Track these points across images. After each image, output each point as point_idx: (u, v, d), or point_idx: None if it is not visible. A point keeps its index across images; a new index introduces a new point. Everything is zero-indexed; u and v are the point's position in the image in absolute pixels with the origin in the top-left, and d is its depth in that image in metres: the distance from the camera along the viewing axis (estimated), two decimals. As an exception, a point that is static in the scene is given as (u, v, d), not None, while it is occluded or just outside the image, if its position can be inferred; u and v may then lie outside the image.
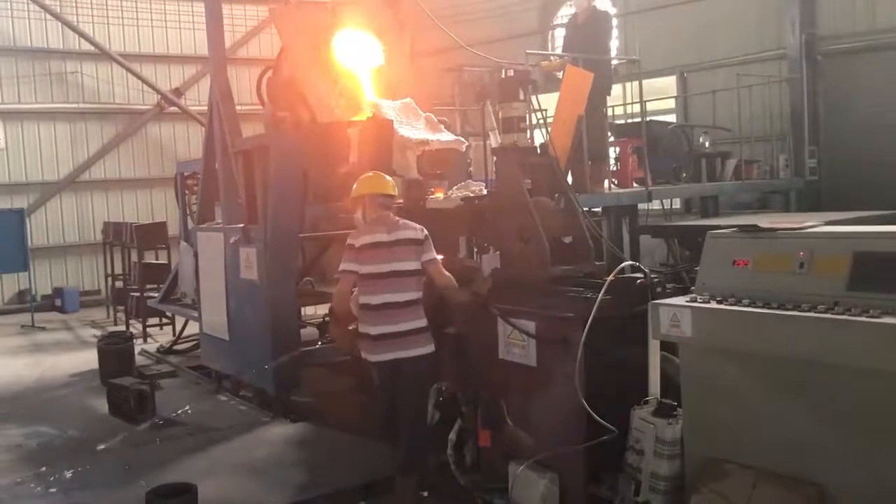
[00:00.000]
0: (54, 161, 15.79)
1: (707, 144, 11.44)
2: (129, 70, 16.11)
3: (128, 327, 11.82)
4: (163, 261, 12.48)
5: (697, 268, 4.32)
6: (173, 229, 12.73)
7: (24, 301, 14.57)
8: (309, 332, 7.72)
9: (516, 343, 5.05)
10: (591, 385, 4.48)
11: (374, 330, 4.97)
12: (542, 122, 6.90)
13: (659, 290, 4.61)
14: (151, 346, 10.86)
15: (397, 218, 5.24)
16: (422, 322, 5.05)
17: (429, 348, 5.05)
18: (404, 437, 4.99)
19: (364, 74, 7.92)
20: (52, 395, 8.74)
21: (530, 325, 4.93)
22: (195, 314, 9.02)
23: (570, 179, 7.76)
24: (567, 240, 5.61)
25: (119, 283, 13.23)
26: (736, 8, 12.47)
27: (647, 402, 4.48)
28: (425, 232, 5.20)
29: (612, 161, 9.60)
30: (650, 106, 11.15)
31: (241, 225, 7.55)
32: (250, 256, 7.37)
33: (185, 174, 10.70)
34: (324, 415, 7.15)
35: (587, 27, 8.74)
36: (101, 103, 16.20)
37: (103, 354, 9.02)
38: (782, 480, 3.72)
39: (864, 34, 11.26)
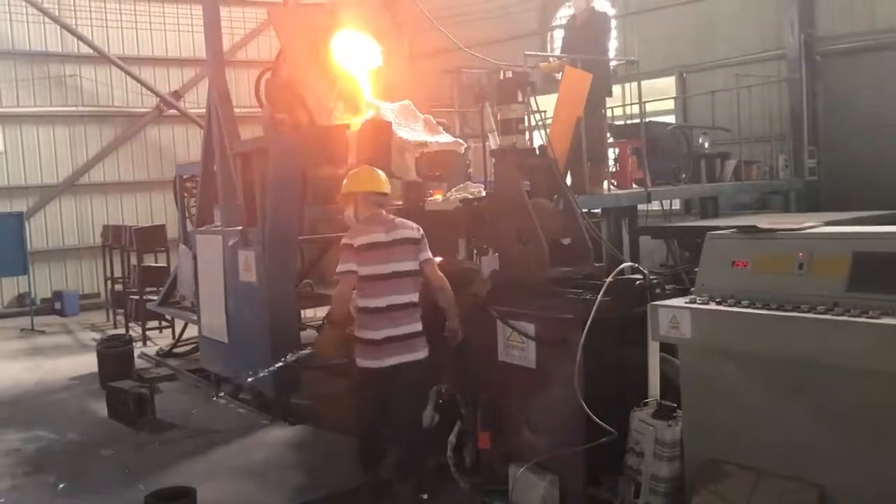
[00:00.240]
0: (53, 164, 15.77)
1: (706, 145, 11.44)
2: (127, 73, 16.11)
3: (127, 330, 11.81)
4: (162, 264, 12.48)
5: (697, 269, 4.31)
6: (172, 232, 12.71)
7: (23, 305, 14.55)
8: (309, 335, 7.71)
9: (516, 345, 5.04)
10: (590, 387, 4.47)
11: (380, 334, 4.79)
12: (540, 123, 6.89)
13: (658, 291, 4.60)
14: (151, 350, 10.85)
15: (392, 216, 5.08)
16: (420, 325, 4.95)
17: (426, 352, 4.96)
18: (401, 441, 4.92)
19: (362, 76, 7.91)
20: (52, 399, 8.73)
21: (529, 327, 4.92)
22: (194, 317, 9.01)
23: (569, 181, 7.76)
24: (566, 241, 5.61)
25: (119, 287, 13.22)
26: (735, 8, 12.47)
27: (646, 404, 4.47)
28: (421, 231, 5.06)
29: (611, 162, 9.59)
30: (649, 107, 11.15)
31: (240, 227, 7.54)
32: (249, 259, 7.36)
33: (184, 177, 10.69)
34: (323, 417, 7.13)
35: (586, 28, 8.74)
36: (99, 106, 16.19)
37: (103, 358, 9.01)
38: (782, 481, 3.71)
39: (863, 34, 11.26)
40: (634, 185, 9.51)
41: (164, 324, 11.69)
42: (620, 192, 9.15)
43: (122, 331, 11.84)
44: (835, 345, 3.41)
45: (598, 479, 4.67)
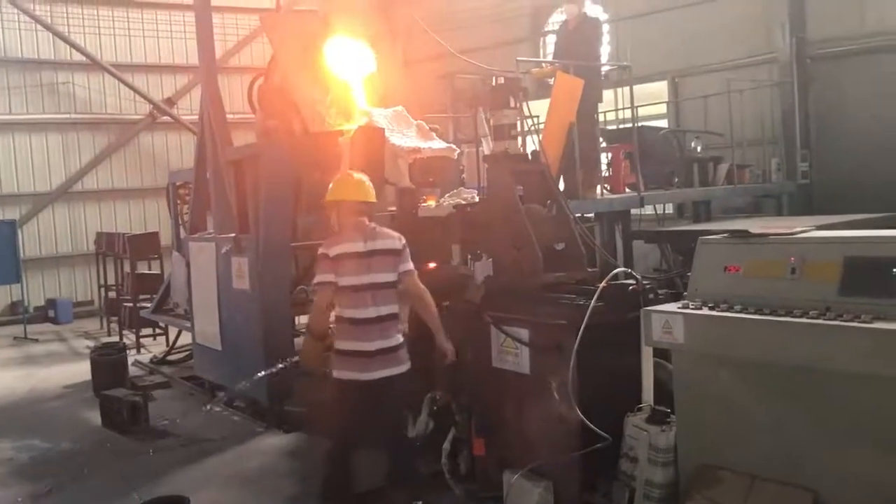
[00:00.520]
0: (46, 172, 15.74)
1: (699, 149, 11.45)
2: (120, 80, 16.09)
3: (121, 338, 11.79)
4: (156, 271, 12.44)
5: (690, 273, 4.31)
6: (166, 239, 12.69)
7: (16, 313, 14.49)
8: (302, 342, 7.69)
9: (509, 351, 5.03)
10: (584, 392, 4.47)
11: (373, 345, 4.71)
12: (533, 128, 6.90)
13: (651, 296, 4.61)
14: (145, 357, 10.82)
15: (374, 225, 4.94)
16: (400, 338, 4.87)
17: (409, 364, 4.87)
18: (389, 451, 4.91)
19: (355, 82, 7.91)
20: (45, 408, 8.69)
21: (523, 333, 4.91)
22: (188, 324, 8.99)
23: (562, 186, 7.77)
24: (559, 247, 5.61)
25: (112, 294, 13.19)
26: (726, 13, 12.49)
27: (640, 409, 4.47)
28: (403, 241, 4.94)
29: (604, 167, 9.61)
30: (642, 111, 11.16)
31: (233, 234, 7.53)
32: (242, 266, 7.35)
33: (177, 184, 10.68)
34: (317, 425, 7.11)
35: (578, 34, 8.75)
36: (92, 114, 16.16)
37: (96, 365, 8.98)
38: (776, 486, 3.71)
39: (854, 38, 11.30)
40: (627, 190, 9.52)
41: (157, 331, 11.65)
42: (613, 196, 9.16)
43: (115, 338, 11.82)
44: (827, 349, 3.41)
45: (592, 484, 4.66)
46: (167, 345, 10.82)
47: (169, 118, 16.58)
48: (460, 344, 5.28)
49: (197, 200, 9.02)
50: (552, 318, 4.74)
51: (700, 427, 4.05)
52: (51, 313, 14.98)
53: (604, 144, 9.68)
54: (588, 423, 4.36)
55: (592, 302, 4.53)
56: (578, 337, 4.42)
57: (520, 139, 6.49)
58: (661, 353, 4.49)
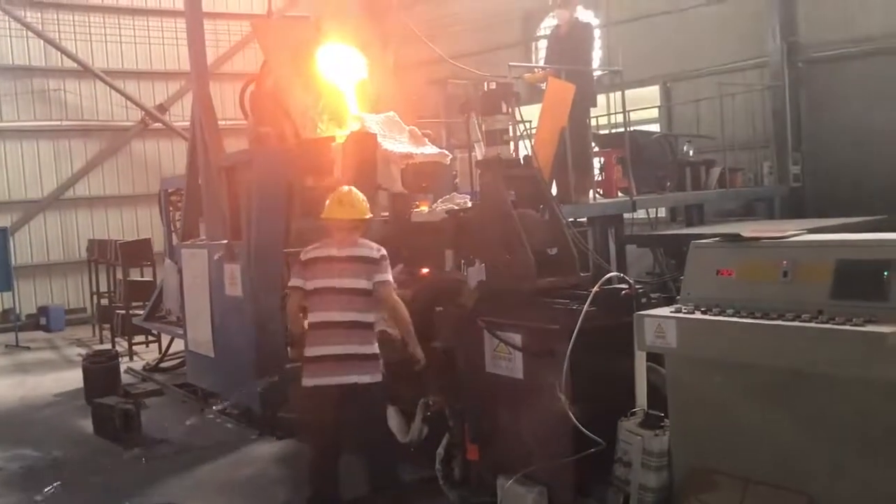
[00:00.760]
0: (38, 179, 15.70)
1: (691, 153, 11.49)
2: (112, 87, 16.06)
3: (113, 345, 11.72)
4: (148, 278, 12.40)
5: (683, 277, 4.31)
6: (158, 246, 12.65)
7: (8, 321, 14.41)
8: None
9: (503, 356, 5.02)
10: (577, 397, 4.46)
11: (337, 349, 4.74)
12: (525, 133, 6.90)
13: (644, 300, 4.60)
14: (137, 364, 10.78)
15: (357, 237, 5.05)
16: (373, 347, 4.88)
17: (380, 376, 4.88)
18: (368, 458, 4.88)
19: (347, 88, 7.91)
20: (36, 416, 8.65)
21: (516, 338, 4.90)
22: (180, 331, 8.96)
23: (554, 190, 7.77)
24: (552, 251, 5.60)
25: (104, 301, 13.14)
26: (717, 17, 12.54)
27: (633, 414, 4.46)
28: (382, 252, 5.00)
29: (596, 171, 9.62)
30: (634, 116, 11.20)
31: (225, 241, 7.50)
32: (234, 272, 7.33)
33: (169, 191, 10.65)
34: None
35: (570, 39, 8.77)
36: (84, 120, 16.13)
37: (88, 373, 8.93)
38: (771, 490, 3.71)
39: (845, 41, 11.35)
40: (620, 194, 9.54)
41: (150, 338, 11.61)
42: (606, 201, 9.18)
43: (108, 346, 11.74)
44: (819, 353, 3.41)
45: (586, 489, 4.65)
46: (160, 352, 10.78)
47: (161, 125, 16.54)
48: (453, 349, 5.30)
49: (189, 207, 8.99)
50: (545, 323, 4.73)
51: (694, 431, 4.04)
52: (43, 321, 14.94)
53: (596, 149, 9.69)
54: (581, 427, 4.34)
55: (585, 306, 4.53)
56: (572, 341, 4.41)
57: (512, 144, 6.49)
58: (655, 358, 4.48)
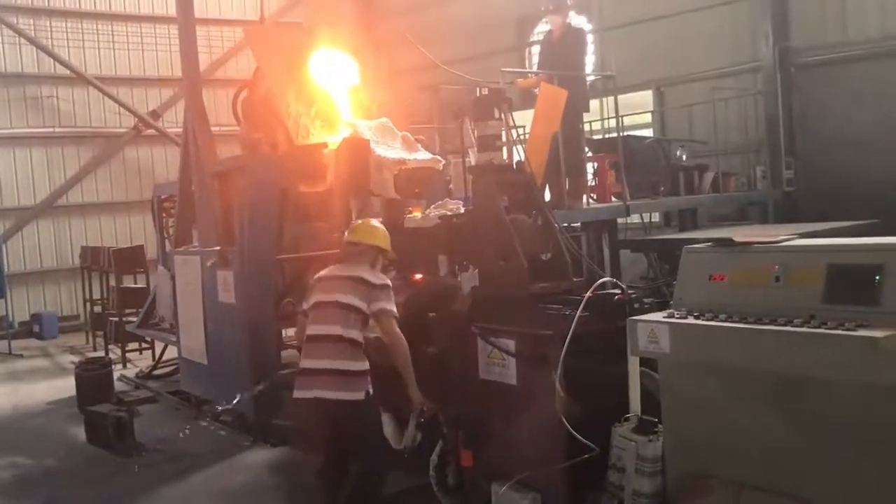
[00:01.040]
0: (30, 186, 15.62)
1: (684, 158, 11.52)
2: (105, 93, 16.02)
3: (107, 353, 11.68)
4: (141, 285, 12.36)
5: (675, 282, 4.31)
6: (152, 253, 12.62)
7: (0, 328, 14.34)
8: (290, 354, 7.65)
9: (496, 362, 5.01)
10: (571, 403, 4.45)
11: (319, 363, 4.75)
12: (519, 139, 6.90)
13: (637, 305, 4.60)
14: (131, 372, 10.74)
15: (365, 263, 5.08)
16: (362, 365, 4.81)
17: (362, 395, 4.77)
18: (352, 477, 4.86)
19: (340, 94, 7.91)
20: (29, 424, 8.61)
21: (509, 344, 4.90)
22: (174, 339, 8.93)
23: (547, 196, 7.77)
24: (545, 257, 5.60)
25: (98, 308, 13.09)
26: (710, 22, 12.59)
27: (627, 420, 4.45)
28: (384, 281, 5.00)
29: (589, 176, 9.63)
30: (627, 120, 11.22)
31: (218, 248, 7.49)
32: (227, 279, 7.31)
33: (162, 197, 10.62)
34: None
35: (563, 44, 8.79)
36: (77, 127, 16.07)
37: (81, 381, 8.90)
38: (765, 495, 3.70)
39: (837, 46, 11.40)
40: (613, 199, 9.55)
41: (144, 346, 11.57)
42: (599, 206, 9.18)
43: (101, 353, 11.71)
44: (812, 357, 3.40)
45: (580, 496, 4.64)
46: (153, 359, 10.74)
47: (154, 131, 16.51)
48: (447, 355, 5.29)
49: (182, 214, 8.98)
50: (538, 329, 4.72)
51: (687, 436, 4.04)
52: (35, 328, 14.85)
53: (589, 154, 9.70)
54: (575, 433, 4.34)
55: (578, 312, 4.52)
56: (565, 347, 4.40)
57: (505, 150, 6.49)
58: (648, 363, 4.48)
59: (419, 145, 7.71)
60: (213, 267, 7.52)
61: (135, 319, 10.73)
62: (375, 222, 5.44)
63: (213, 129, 8.48)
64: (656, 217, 12.04)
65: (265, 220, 7.15)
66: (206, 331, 7.79)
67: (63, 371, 11.23)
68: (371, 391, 4.82)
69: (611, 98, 10.01)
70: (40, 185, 15.72)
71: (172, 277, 8.78)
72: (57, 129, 15.84)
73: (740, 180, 11.66)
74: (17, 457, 7.31)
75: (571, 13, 9.78)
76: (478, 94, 6.65)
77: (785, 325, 3.54)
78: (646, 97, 13.62)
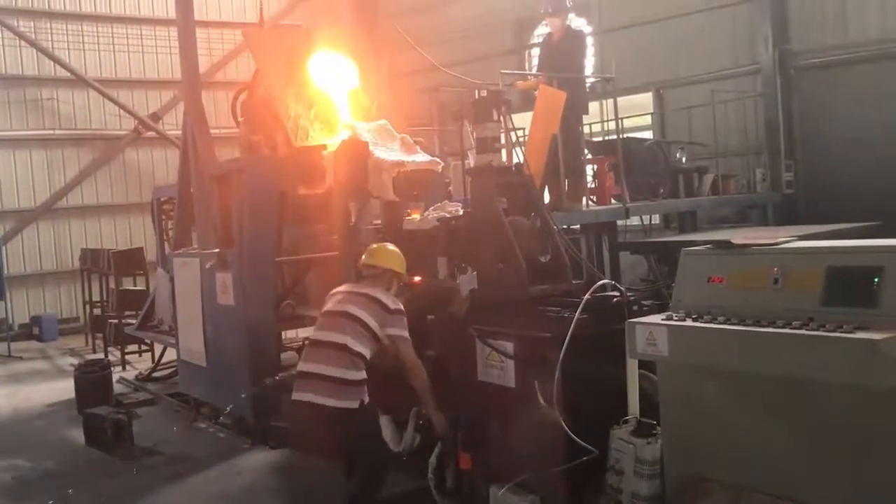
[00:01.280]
0: (30, 188, 15.64)
1: (684, 160, 11.52)
2: (105, 96, 16.03)
3: (106, 355, 11.68)
4: (141, 287, 12.36)
5: (674, 284, 4.30)
6: (151, 255, 12.62)
7: (0, 330, 14.35)
8: (289, 357, 7.65)
9: (494, 364, 5.00)
10: (569, 405, 4.44)
11: (311, 367, 4.86)
12: (518, 141, 6.90)
13: (636, 307, 4.59)
14: (130, 374, 10.73)
15: (381, 285, 5.16)
16: (358, 375, 4.83)
17: (356, 403, 4.80)
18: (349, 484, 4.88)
19: (339, 97, 7.90)
20: (28, 427, 8.60)
21: (508, 346, 4.89)
22: (173, 341, 8.93)
23: (546, 198, 7.77)
24: (544, 259, 5.59)
25: (97, 311, 13.08)
26: (710, 24, 12.60)
27: (626, 422, 4.45)
28: (398, 306, 5.04)
29: (589, 178, 9.63)
30: (627, 123, 11.23)
31: (217, 250, 7.48)
32: (226, 281, 7.30)
33: (162, 199, 10.62)
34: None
35: (562, 46, 8.79)
36: (77, 129, 16.09)
37: (80, 383, 8.88)
38: (764, 498, 3.69)
39: (836, 48, 11.41)
40: (613, 201, 9.54)
41: (143, 348, 11.57)
42: (599, 208, 9.18)
43: (100, 355, 11.70)
44: (810, 360, 3.39)
45: (579, 498, 4.63)
46: (153, 361, 10.73)
47: (154, 133, 16.52)
48: (446, 357, 5.28)
49: (181, 216, 8.98)
50: (537, 331, 4.72)
51: (686, 439, 4.03)
52: (35, 330, 14.87)
53: (589, 156, 9.70)
54: (574, 436, 4.33)
55: (577, 314, 4.51)
56: (563, 349, 4.39)
57: (504, 152, 6.48)
58: (647, 365, 4.47)
59: (418, 147, 7.71)
60: (212, 269, 7.52)
61: (134, 321, 10.72)
62: (391, 246, 5.46)
63: (212, 131, 8.48)
64: (656, 219, 12.04)
65: (264, 222, 7.15)
66: (206, 333, 7.78)
67: (62, 373, 11.23)
68: (366, 400, 4.86)
69: (610, 100, 10.01)
70: (40, 187, 15.73)
71: (172, 279, 8.77)
72: (57, 132, 15.87)
73: (740, 182, 11.67)
74: (16, 459, 7.30)
75: (571, 15, 9.79)
76: (477, 96, 6.63)
77: (783, 327, 3.53)
78: (645, 99, 13.62)
